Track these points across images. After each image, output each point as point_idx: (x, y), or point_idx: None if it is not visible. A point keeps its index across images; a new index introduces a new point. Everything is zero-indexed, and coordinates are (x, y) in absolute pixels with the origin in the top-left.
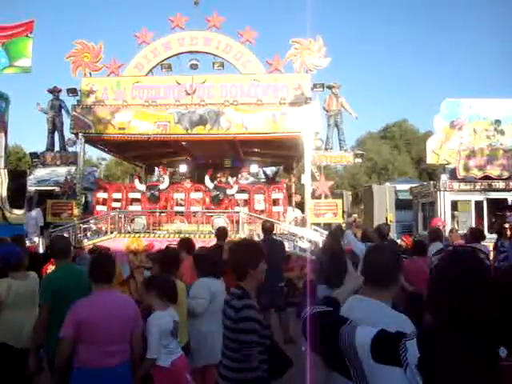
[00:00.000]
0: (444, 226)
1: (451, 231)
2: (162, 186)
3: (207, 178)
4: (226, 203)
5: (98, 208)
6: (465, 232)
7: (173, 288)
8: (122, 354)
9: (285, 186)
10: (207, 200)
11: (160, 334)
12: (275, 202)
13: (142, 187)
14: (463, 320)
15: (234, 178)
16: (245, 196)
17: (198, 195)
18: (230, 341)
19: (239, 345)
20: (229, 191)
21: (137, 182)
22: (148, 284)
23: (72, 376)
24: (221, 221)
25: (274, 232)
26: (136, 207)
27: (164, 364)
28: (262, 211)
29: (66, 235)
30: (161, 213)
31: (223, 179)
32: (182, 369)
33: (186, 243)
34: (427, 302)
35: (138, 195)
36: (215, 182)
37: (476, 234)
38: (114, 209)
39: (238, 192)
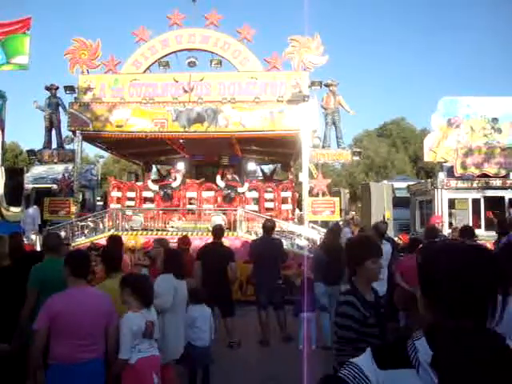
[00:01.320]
0: (442, 224)
1: (455, 229)
2: (175, 185)
3: (218, 178)
4: (238, 202)
5: (112, 206)
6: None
7: (148, 288)
8: (95, 350)
9: (293, 184)
10: (219, 199)
11: (131, 334)
12: (284, 201)
13: (155, 187)
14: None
15: (244, 177)
16: (255, 195)
17: (210, 194)
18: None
19: (336, 338)
20: (240, 189)
21: (150, 182)
22: (123, 282)
23: (47, 374)
24: (218, 218)
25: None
26: (150, 205)
27: (129, 361)
28: (271, 209)
29: (62, 233)
30: (158, 211)
31: (229, 176)
32: (149, 368)
33: (183, 241)
34: (428, 299)
35: (151, 194)
36: (225, 181)
37: (467, 232)
38: (130, 207)
39: (249, 191)
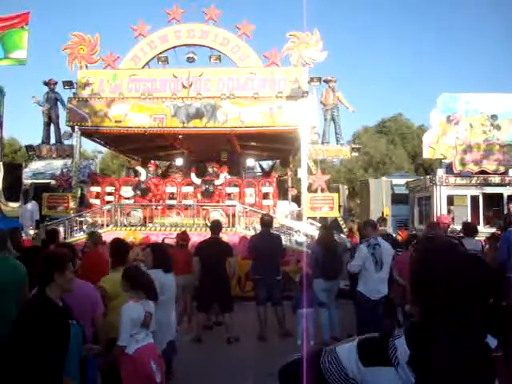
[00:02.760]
0: (449, 225)
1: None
2: (142, 178)
3: (193, 175)
4: (217, 196)
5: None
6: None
7: (147, 281)
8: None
9: (275, 179)
10: (199, 195)
11: (130, 323)
12: (265, 196)
13: (130, 193)
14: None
15: (215, 168)
16: (236, 190)
17: (190, 189)
18: None
19: None
20: (216, 182)
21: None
22: (124, 274)
23: None
24: (217, 214)
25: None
26: (129, 201)
27: (128, 352)
28: (252, 205)
29: (61, 228)
30: (156, 206)
31: (210, 170)
32: (147, 357)
33: (182, 237)
34: (413, 296)
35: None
36: (203, 178)
37: (469, 228)
38: (109, 202)
39: (228, 185)
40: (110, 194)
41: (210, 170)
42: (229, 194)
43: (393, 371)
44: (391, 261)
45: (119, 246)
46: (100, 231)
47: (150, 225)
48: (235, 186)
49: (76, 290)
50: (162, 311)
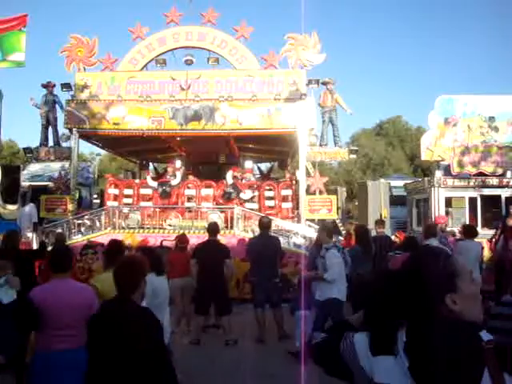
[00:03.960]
0: (446, 225)
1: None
2: (174, 182)
3: (230, 174)
4: (237, 202)
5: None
6: (458, 228)
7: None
8: (75, 340)
9: (294, 182)
10: (217, 193)
11: None
12: (284, 199)
13: (154, 184)
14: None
15: (252, 177)
16: (254, 193)
17: (209, 192)
18: None
19: None
20: (242, 195)
21: (149, 178)
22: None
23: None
24: (215, 216)
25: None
26: (148, 203)
27: None
28: (272, 208)
29: (59, 231)
30: (155, 208)
31: (240, 177)
32: None
33: (181, 239)
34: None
35: (149, 191)
36: (234, 180)
37: (469, 231)
38: (126, 204)
39: (250, 199)
40: (128, 196)
41: (237, 174)
42: (246, 200)
43: (392, 359)
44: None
45: (113, 246)
46: (98, 233)
47: (164, 224)
48: (255, 189)
49: (68, 294)
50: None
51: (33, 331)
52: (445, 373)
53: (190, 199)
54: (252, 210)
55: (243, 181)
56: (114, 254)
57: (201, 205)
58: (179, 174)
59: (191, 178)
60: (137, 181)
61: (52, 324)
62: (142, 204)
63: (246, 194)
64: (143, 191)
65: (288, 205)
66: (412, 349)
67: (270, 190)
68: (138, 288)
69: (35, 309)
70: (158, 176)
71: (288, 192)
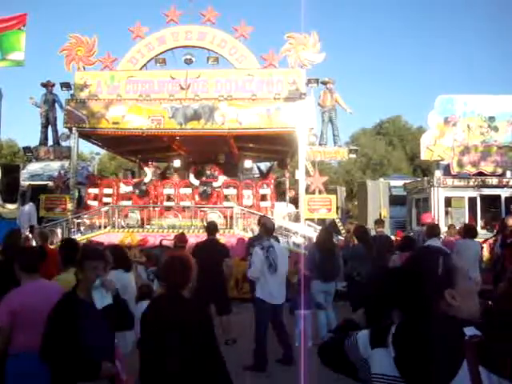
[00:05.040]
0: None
1: (449, 227)
2: (146, 180)
3: (191, 176)
4: (215, 197)
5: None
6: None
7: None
8: None
9: (273, 181)
10: (197, 197)
11: None
12: (263, 198)
13: (129, 188)
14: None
15: (216, 172)
16: (233, 191)
17: (188, 190)
18: None
19: None
20: (214, 184)
21: (121, 184)
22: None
23: (8, 363)
24: (214, 216)
25: None
26: (127, 202)
27: None
28: (250, 206)
29: (58, 230)
30: (154, 208)
31: (208, 172)
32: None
33: (180, 238)
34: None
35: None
36: (202, 179)
37: (469, 230)
38: (107, 204)
39: (226, 187)
40: (107, 195)
41: (207, 171)
42: (226, 196)
43: (385, 351)
44: (287, 263)
45: (70, 246)
46: (97, 232)
47: (148, 226)
48: (233, 187)
49: (45, 293)
50: None
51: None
52: (424, 364)
53: (169, 198)
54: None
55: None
56: (71, 253)
57: (179, 203)
58: (150, 172)
59: (177, 177)
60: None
61: (35, 324)
62: (123, 203)
63: (218, 181)
64: (124, 189)
65: (266, 204)
66: (398, 341)
67: (249, 188)
68: (188, 283)
69: (131, 312)
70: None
71: (266, 191)
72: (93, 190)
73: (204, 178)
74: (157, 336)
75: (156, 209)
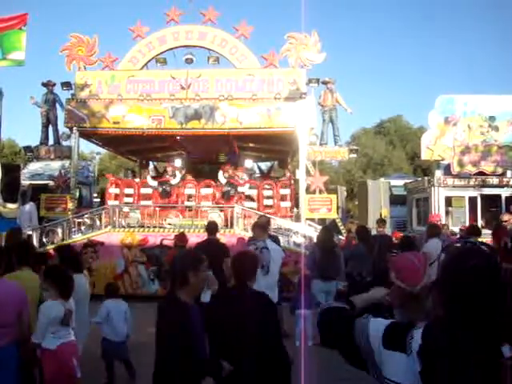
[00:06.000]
0: (440, 222)
1: (442, 227)
2: (174, 182)
3: (221, 173)
4: (236, 199)
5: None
6: (459, 227)
7: (67, 281)
8: (5, 337)
9: (292, 181)
10: (217, 195)
11: (48, 321)
12: (283, 198)
13: (154, 183)
14: (475, 319)
15: (245, 175)
16: (254, 192)
17: (209, 191)
18: None
19: None
20: (240, 188)
21: (148, 177)
22: (45, 273)
23: None
24: (215, 215)
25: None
26: (148, 202)
27: (50, 347)
28: (270, 207)
29: (59, 230)
30: (155, 207)
31: (230, 172)
32: (69, 354)
33: (180, 238)
34: (439, 296)
35: (149, 190)
36: (227, 178)
37: (472, 230)
38: (127, 203)
39: (249, 192)
40: (128, 195)
41: (230, 171)
42: (247, 196)
43: (404, 357)
44: (280, 265)
45: (24, 245)
46: (98, 232)
47: (164, 223)
48: (254, 188)
49: (10, 292)
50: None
51: None
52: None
53: (189, 198)
54: (252, 208)
55: (236, 178)
56: (25, 252)
57: (200, 204)
58: (179, 174)
59: (189, 177)
60: (137, 180)
61: None
62: (142, 203)
63: (245, 187)
64: (144, 190)
65: (286, 204)
66: (427, 353)
67: (269, 189)
68: (254, 275)
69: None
70: (158, 175)
71: (286, 191)
72: (113, 190)
73: (235, 180)
74: (222, 323)
75: (157, 208)
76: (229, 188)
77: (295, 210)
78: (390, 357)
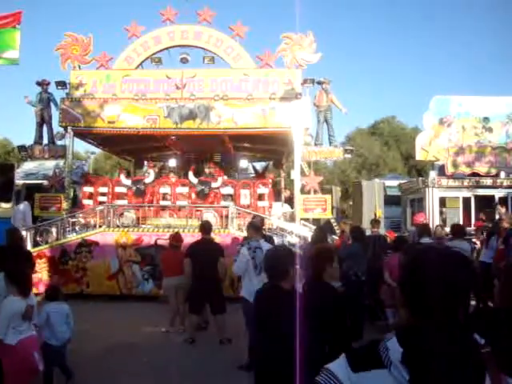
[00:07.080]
0: (427, 222)
1: (437, 227)
2: (148, 180)
3: (191, 174)
4: (212, 197)
5: (85, 202)
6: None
7: (24, 279)
8: None
9: (270, 181)
10: (193, 195)
11: (9, 316)
12: (260, 197)
13: (128, 182)
14: (455, 318)
15: (220, 174)
16: (231, 191)
17: (184, 190)
18: None
19: None
20: (213, 184)
21: (122, 176)
22: (6, 273)
23: None
24: (210, 215)
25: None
26: (122, 201)
27: (11, 342)
28: (247, 206)
29: (53, 229)
30: (149, 207)
31: (207, 171)
32: (30, 348)
33: (175, 238)
34: (407, 299)
35: (123, 189)
36: (200, 177)
37: (458, 231)
38: (100, 203)
39: (223, 186)
40: (103, 194)
41: (206, 170)
42: (223, 195)
43: (385, 373)
44: None
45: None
46: (92, 232)
47: (144, 226)
48: (231, 187)
49: None
50: None
51: None
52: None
53: (164, 197)
54: (241, 209)
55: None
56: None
57: (175, 203)
58: (152, 172)
59: (172, 176)
60: (115, 175)
61: None
62: (118, 202)
63: (217, 182)
64: (118, 189)
65: (264, 203)
66: (415, 358)
67: (247, 188)
68: (288, 274)
69: None
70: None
71: (264, 190)
72: (88, 189)
73: (203, 177)
74: (267, 315)
75: (151, 208)
76: (202, 187)
77: (289, 209)
78: (367, 377)
